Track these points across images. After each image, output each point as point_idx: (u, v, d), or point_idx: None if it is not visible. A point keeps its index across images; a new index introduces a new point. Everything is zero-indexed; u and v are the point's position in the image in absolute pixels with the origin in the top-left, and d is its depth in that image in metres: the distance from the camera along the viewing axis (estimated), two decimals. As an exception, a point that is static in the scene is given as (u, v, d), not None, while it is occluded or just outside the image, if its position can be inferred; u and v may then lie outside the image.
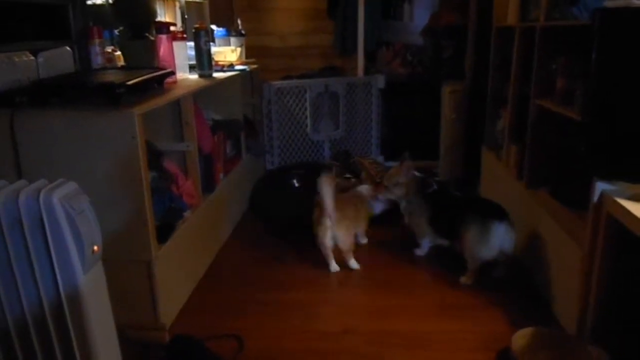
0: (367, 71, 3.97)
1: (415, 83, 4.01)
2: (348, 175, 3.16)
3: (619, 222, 1.47)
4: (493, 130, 3.08)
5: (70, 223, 1.32)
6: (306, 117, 3.75)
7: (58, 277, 1.35)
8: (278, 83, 3.67)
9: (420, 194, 2.49)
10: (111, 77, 1.88)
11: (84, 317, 1.41)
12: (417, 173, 2.58)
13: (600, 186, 1.58)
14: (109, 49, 2.34)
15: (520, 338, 1.73)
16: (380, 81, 3.85)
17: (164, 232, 1.93)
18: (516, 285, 2.25)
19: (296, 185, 3.29)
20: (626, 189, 1.53)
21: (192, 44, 2.58)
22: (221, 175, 2.71)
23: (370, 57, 4.04)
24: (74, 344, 1.42)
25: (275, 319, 2.02)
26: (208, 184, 2.50)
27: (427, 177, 2.62)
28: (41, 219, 1.31)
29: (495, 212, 2.23)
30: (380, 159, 3.88)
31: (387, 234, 2.79)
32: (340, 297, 2.20)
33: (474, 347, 1.82)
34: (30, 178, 1.41)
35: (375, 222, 2.77)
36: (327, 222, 2.30)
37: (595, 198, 1.59)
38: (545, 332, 1.77)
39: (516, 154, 2.54)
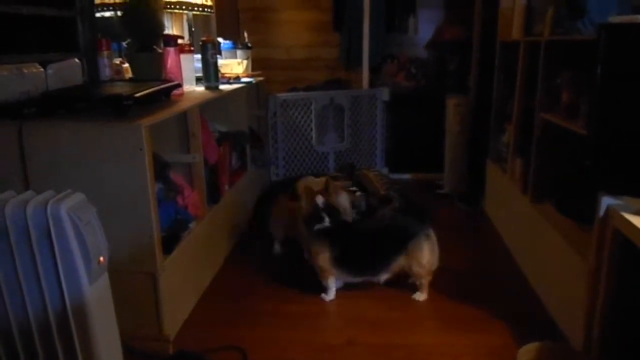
0: (372, 84, 3.99)
1: (419, 96, 4.02)
2: (354, 189, 3.15)
3: (624, 237, 1.47)
4: (498, 143, 3.09)
5: (77, 234, 1.33)
6: (311, 129, 3.77)
7: (64, 287, 1.36)
8: (284, 95, 3.70)
9: (308, 229, 2.19)
10: (119, 89, 1.90)
11: (88, 327, 1.42)
12: (320, 200, 2.19)
13: (605, 201, 1.57)
14: (117, 61, 2.37)
15: (526, 353, 1.71)
16: (385, 94, 3.86)
17: (170, 243, 1.94)
18: (522, 299, 2.24)
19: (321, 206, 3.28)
20: (632, 204, 1.53)
21: (199, 56, 2.60)
22: (226, 186, 2.72)
23: (375, 70, 4.07)
24: (79, 354, 1.43)
25: (279, 331, 2.02)
26: (213, 195, 2.51)
27: (326, 206, 2.20)
28: (48, 230, 1.32)
29: (425, 219, 2.24)
30: (385, 171, 3.89)
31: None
32: (344, 310, 2.19)
33: (478, 361, 1.81)
34: (38, 189, 1.43)
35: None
36: None
37: (601, 212, 1.59)
38: (551, 347, 1.75)
39: (521, 167, 2.54)
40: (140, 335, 1.82)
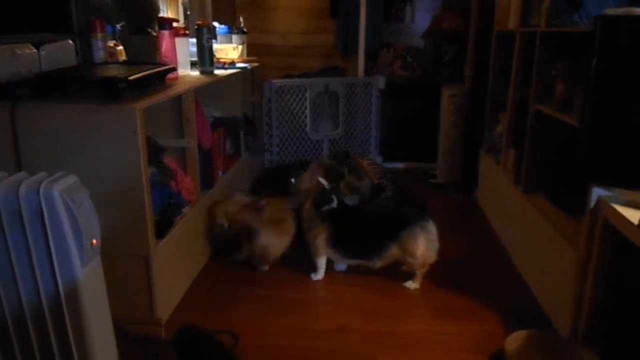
0: (367, 72, 3.98)
1: (415, 85, 4.02)
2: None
3: (614, 228, 1.49)
4: (492, 134, 3.10)
5: (70, 216, 1.33)
6: (306, 117, 3.76)
7: (56, 269, 1.36)
8: (279, 81, 3.68)
9: (316, 209, 2.24)
10: (113, 71, 1.89)
11: (81, 310, 1.42)
12: (323, 181, 2.30)
13: (596, 192, 1.59)
14: (111, 44, 2.34)
15: (514, 340, 1.74)
16: (380, 82, 3.86)
17: (163, 227, 1.94)
18: (512, 289, 2.26)
19: (294, 183, 3.30)
20: (622, 195, 1.55)
21: (194, 40, 2.58)
22: (220, 172, 2.72)
23: (371, 58, 4.05)
24: (71, 336, 1.43)
25: (270, 316, 2.03)
26: (207, 181, 2.51)
27: (333, 189, 2.31)
28: (41, 211, 1.31)
29: (424, 211, 2.25)
30: (378, 159, 3.90)
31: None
32: (335, 297, 2.21)
33: (467, 348, 1.84)
34: (31, 171, 1.42)
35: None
36: None
37: (592, 204, 1.61)
38: (538, 335, 1.78)
39: (514, 158, 2.55)
40: (132, 319, 1.83)
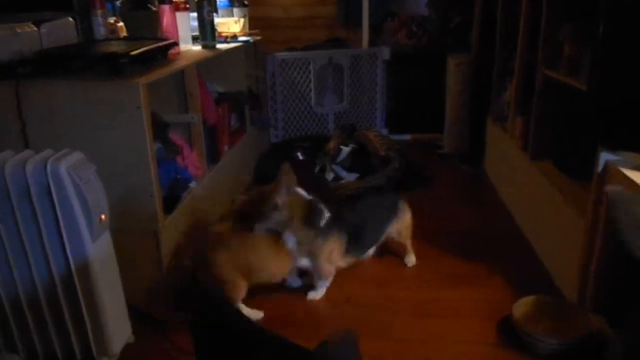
0: (372, 43, 3.92)
1: (420, 54, 3.96)
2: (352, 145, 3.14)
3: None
4: (499, 102, 3.06)
5: (78, 192, 1.34)
6: (310, 90, 3.73)
7: (67, 245, 1.38)
8: (282, 55, 3.64)
9: (311, 225, 1.89)
10: (114, 47, 1.87)
11: (93, 284, 1.45)
12: (302, 192, 1.94)
13: (604, 156, 1.57)
14: (111, 20, 2.32)
15: (522, 306, 1.76)
16: (385, 53, 3.80)
17: (170, 203, 1.95)
18: (520, 256, 2.27)
19: (300, 158, 3.30)
20: (630, 159, 1.53)
21: (195, 14, 2.55)
22: (226, 147, 2.72)
23: (375, 28, 3.99)
24: (84, 311, 1.46)
25: (279, 288, 2.05)
26: (213, 156, 2.51)
27: (317, 200, 1.96)
28: (49, 188, 1.33)
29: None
30: (384, 131, 3.87)
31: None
32: (345, 268, 2.22)
33: (475, 314, 1.85)
34: (37, 148, 1.43)
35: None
36: None
37: (600, 168, 1.59)
38: (546, 301, 1.79)
39: (521, 125, 2.53)
40: (143, 294, 1.85)
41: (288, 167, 1.95)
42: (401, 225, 2.19)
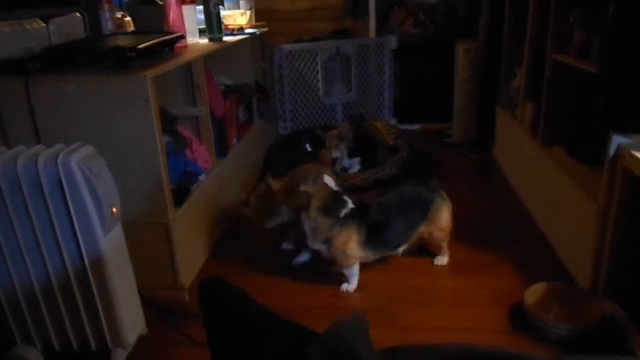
0: (379, 33, 3.90)
1: (428, 43, 3.93)
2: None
3: (635, 176, 1.46)
4: (508, 88, 3.04)
5: (89, 185, 1.35)
6: (318, 81, 3.73)
7: (80, 238, 1.39)
8: (289, 47, 3.64)
9: (331, 215, 1.90)
10: (122, 41, 1.88)
11: (106, 277, 1.46)
12: (331, 182, 1.97)
13: (616, 140, 1.56)
14: (118, 15, 2.33)
15: (533, 293, 1.75)
16: (392, 42, 3.78)
17: (180, 196, 1.96)
18: (531, 243, 2.26)
19: (309, 150, 3.31)
20: (643, 142, 1.51)
21: (201, 8, 2.55)
22: (234, 140, 2.73)
23: (382, 18, 3.97)
24: (98, 303, 1.47)
25: (289, 278, 2.06)
26: (222, 149, 2.52)
27: (342, 192, 1.99)
28: (60, 182, 1.34)
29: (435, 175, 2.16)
30: (393, 121, 3.86)
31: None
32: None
33: (487, 302, 1.85)
34: (48, 143, 1.44)
35: (384, 184, 2.81)
36: None
37: (612, 152, 1.58)
38: (558, 287, 1.78)
39: (532, 111, 2.51)
40: (156, 285, 1.88)
41: (326, 155, 2.09)
42: (434, 228, 2.05)
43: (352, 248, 1.94)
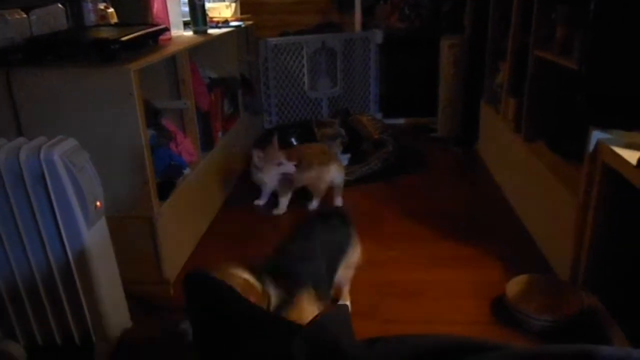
0: (364, 26, 3.91)
1: (413, 37, 3.95)
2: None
3: (613, 170, 1.49)
4: (492, 84, 3.07)
5: (72, 179, 1.35)
6: (303, 75, 3.72)
7: (63, 232, 1.38)
8: (274, 40, 3.62)
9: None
10: (105, 33, 1.86)
11: (90, 271, 1.45)
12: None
13: (595, 135, 1.59)
14: (101, 6, 2.29)
15: (515, 285, 1.78)
16: (378, 37, 3.79)
17: (165, 189, 1.95)
18: (513, 236, 2.29)
19: (294, 143, 3.30)
20: (622, 138, 1.54)
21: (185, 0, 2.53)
22: (219, 133, 2.72)
23: (368, 12, 3.97)
24: (82, 297, 1.47)
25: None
26: (207, 142, 2.51)
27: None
28: (43, 175, 1.33)
29: None
30: (378, 115, 3.87)
31: (378, 189, 2.84)
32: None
33: (469, 294, 1.88)
34: (30, 136, 1.42)
35: (369, 179, 2.83)
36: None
37: (591, 147, 1.61)
38: (539, 279, 1.81)
39: (514, 106, 2.54)
40: (140, 280, 1.87)
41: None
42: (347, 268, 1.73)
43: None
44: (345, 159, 3.11)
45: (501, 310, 1.75)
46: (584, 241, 1.68)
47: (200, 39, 2.40)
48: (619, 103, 1.54)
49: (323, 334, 0.67)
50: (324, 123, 3.21)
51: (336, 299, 1.80)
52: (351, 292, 1.93)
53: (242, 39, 3.26)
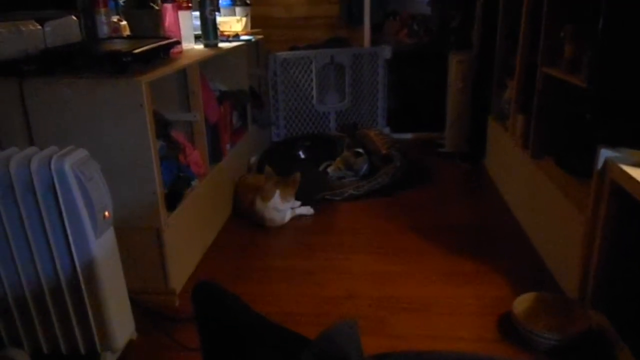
0: (373, 42, 3.94)
1: (422, 53, 3.98)
2: (359, 150, 3.18)
3: (622, 189, 1.49)
4: (500, 100, 3.07)
5: (82, 189, 1.36)
6: (312, 89, 3.75)
7: (71, 241, 1.39)
8: (284, 54, 3.66)
9: None
10: (118, 46, 1.89)
11: (97, 280, 1.46)
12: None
13: (604, 153, 1.58)
14: (114, 19, 2.33)
15: (522, 303, 1.77)
16: (386, 52, 3.82)
17: (173, 200, 1.96)
18: (520, 253, 2.28)
19: (302, 156, 3.32)
20: (630, 156, 1.54)
21: (197, 13, 2.56)
22: (228, 145, 2.73)
23: (376, 27, 4.00)
24: (88, 307, 1.47)
25: (281, 285, 2.07)
26: (215, 154, 2.53)
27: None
28: (53, 185, 1.34)
29: None
30: (386, 130, 3.88)
31: (386, 203, 2.84)
32: (344, 264, 2.24)
33: (476, 311, 1.86)
34: (41, 145, 1.44)
35: (377, 193, 2.83)
36: None
37: (599, 165, 1.60)
38: (546, 297, 1.80)
39: (522, 123, 2.54)
40: (146, 290, 1.87)
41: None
42: None
43: None
44: (364, 168, 3.10)
45: (508, 327, 1.74)
46: (592, 259, 1.67)
47: (210, 52, 2.42)
48: (628, 121, 1.54)
49: (332, 347, 0.67)
50: (356, 152, 3.19)
51: None
52: (357, 307, 1.93)
53: (252, 52, 3.29)
